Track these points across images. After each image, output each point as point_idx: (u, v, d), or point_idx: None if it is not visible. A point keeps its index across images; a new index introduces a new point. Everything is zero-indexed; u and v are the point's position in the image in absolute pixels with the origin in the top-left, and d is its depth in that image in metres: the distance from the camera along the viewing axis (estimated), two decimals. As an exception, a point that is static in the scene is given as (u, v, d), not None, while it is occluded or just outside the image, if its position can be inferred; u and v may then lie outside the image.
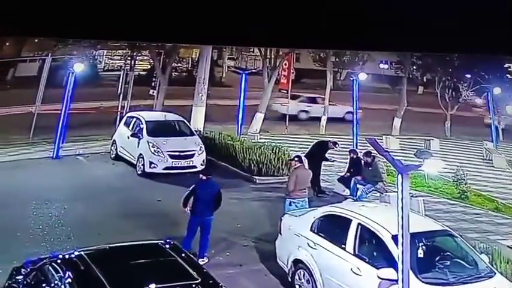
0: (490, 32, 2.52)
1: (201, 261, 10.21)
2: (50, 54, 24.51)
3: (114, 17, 2.55)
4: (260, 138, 22.29)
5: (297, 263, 10.39)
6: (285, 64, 27.91)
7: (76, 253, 7.75)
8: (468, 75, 27.48)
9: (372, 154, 15.03)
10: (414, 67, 30.11)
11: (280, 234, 11.13)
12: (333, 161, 16.75)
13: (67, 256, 7.77)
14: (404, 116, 27.79)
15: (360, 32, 2.56)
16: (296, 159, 13.26)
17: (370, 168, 14.91)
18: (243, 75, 23.07)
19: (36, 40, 28.80)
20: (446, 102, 27.85)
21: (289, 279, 10.52)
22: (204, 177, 11.79)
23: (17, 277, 8.27)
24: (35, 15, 2.55)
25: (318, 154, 15.99)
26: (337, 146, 16.58)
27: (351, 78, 22.71)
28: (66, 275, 7.24)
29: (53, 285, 7.35)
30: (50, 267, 7.68)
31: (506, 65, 28.02)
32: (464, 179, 17.03)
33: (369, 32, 2.56)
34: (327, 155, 16.39)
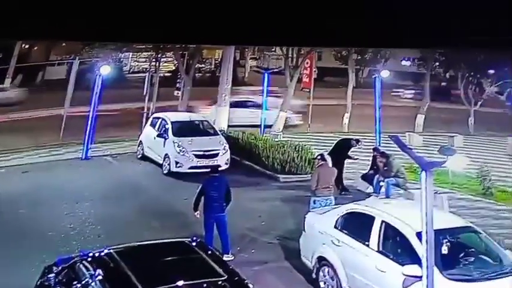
0: (483, 23, 2.51)
1: (225, 258, 10.30)
2: (77, 57, 24.85)
3: (138, 20, 2.61)
4: (283, 137, 22.30)
5: (321, 260, 10.40)
6: (307, 63, 27.82)
7: (106, 251, 7.88)
8: (491, 71, 27.12)
9: (386, 154, 15.10)
10: (437, 63, 29.82)
11: (304, 231, 11.15)
12: (356, 158, 16.70)
13: (97, 254, 7.90)
14: (427, 112, 27.56)
15: (380, 29, 2.57)
16: (319, 157, 13.27)
17: (386, 168, 14.94)
18: (266, 74, 23.09)
19: (63, 44, 29.16)
20: (470, 98, 27.56)
21: (314, 276, 10.55)
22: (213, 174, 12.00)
23: (49, 275, 8.41)
24: (61, 19, 2.61)
25: (341, 152, 15.95)
26: (360, 143, 16.54)
27: (373, 76, 22.58)
28: (97, 273, 7.35)
29: (83, 282, 7.48)
30: (81, 265, 7.81)
31: (529, 60, 27.57)
32: (488, 176, 16.84)
33: (390, 29, 2.57)
34: (350, 153, 16.35)
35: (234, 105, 23.87)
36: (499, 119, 27.49)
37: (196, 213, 11.57)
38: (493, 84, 27.00)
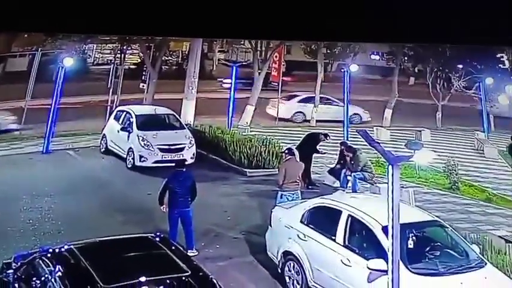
0: (482, 22, 2.53)
1: (190, 253, 10.26)
2: (39, 49, 24.42)
3: (103, 11, 2.57)
4: (250, 131, 22.32)
5: (287, 254, 10.45)
6: (276, 56, 27.88)
7: (66, 247, 7.79)
8: (460, 66, 27.53)
9: (353, 148, 15.25)
10: (406, 58, 30.14)
11: (271, 226, 11.18)
12: (324, 153, 16.81)
13: (57, 250, 7.81)
14: (395, 107, 27.89)
15: (350, 23, 2.57)
16: (286, 151, 13.31)
17: (352, 162, 15.09)
18: (234, 68, 23.07)
19: (25, 35, 28.62)
20: (438, 92, 27.94)
21: (279, 271, 10.59)
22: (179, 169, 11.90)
23: (7, 271, 8.30)
24: (24, 10, 2.56)
25: (309, 146, 16.03)
26: (328, 137, 16.65)
27: (342, 70, 22.71)
28: (56, 269, 7.28)
29: (43, 279, 7.39)
30: (40, 261, 7.72)
31: (498, 55, 28.08)
32: (455, 170, 17.11)
33: (359, 23, 2.57)
34: (318, 147, 16.44)
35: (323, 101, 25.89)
36: (467, 113, 28.00)
37: (162, 207, 11.54)
38: (461, 79, 27.40)
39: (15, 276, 8.05)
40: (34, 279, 7.61)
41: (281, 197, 12.38)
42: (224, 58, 43.87)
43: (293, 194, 12.45)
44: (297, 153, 13.23)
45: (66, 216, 13.05)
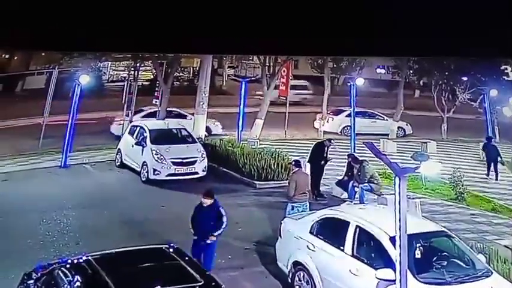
0: (486, 35, 2.55)
1: None
2: (56, 66, 24.69)
3: (116, 29, 2.63)
4: (260, 144, 22.39)
5: (297, 264, 10.48)
6: (284, 71, 28.00)
7: (84, 258, 7.87)
8: (464, 78, 27.50)
9: (360, 160, 15.29)
10: (411, 71, 30.18)
11: (280, 237, 11.22)
12: (331, 159, 16.82)
13: (75, 261, 7.89)
14: (401, 119, 27.90)
15: (356, 38, 2.61)
16: (294, 163, 13.36)
17: (359, 174, 15.12)
18: (243, 83, 23.20)
19: (43, 54, 28.96)
20: (443, 105, 27.93)
21: (289, 281, 10.61)
22: (205, 200, 10.72)
23: (28, 281, 8.39)
24: (40, 29, 2.64)
25: (317, 156, 16.15)
26: (332, 142, 16.87)
27: (348, 84, 22.79)
28: (75, 279, 7.36)
29: (62, 288, 7.47)
30: (60, 272, 7.80)
31: (502, 67, 28.05)
32: (461, 181, 17.04)
33: (365, 38, 2.61)
34: (326, 155, 16.48)
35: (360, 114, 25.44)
36: (472, 125, 27.93)
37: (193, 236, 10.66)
38: (465, 91, 27.36)
39: (36, 286, 8.14)
40: (53, 289, 7.69)
41: (292, 209, 12.42)
42: (234, 73, 44.07)
43: (303, 205, 12.49)
44: (304, 164, 13.27)
45: (83, 228, 13.20)
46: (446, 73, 27.48)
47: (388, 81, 37.32)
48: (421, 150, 22.36)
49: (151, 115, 24.08)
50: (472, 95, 27.42)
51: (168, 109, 24.29)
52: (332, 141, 17.00)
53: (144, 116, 24.30)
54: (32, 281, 8.34)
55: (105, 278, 7.27)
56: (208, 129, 23.64)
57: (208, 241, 10.50)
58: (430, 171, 14.77)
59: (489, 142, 21.23)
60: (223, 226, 10.54)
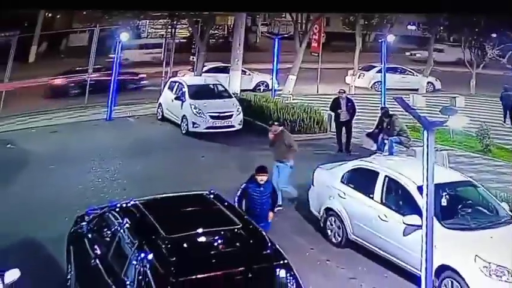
0: None
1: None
2: (97, 25, 24.88)
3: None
4: (293, 99, 22.40)
5: (329, 210, 10.72)
6: (316, 28, 27.68)
7: (132, 202, 8.14)
8: (494, 35, 26.88)
9: (390, 114, 15.21)
10: (441, 28, 29.55)
11: (313, 185, 11.42)
12: (342, 111, 16.39)
13: (124, 205, 8.15)
14: (430, 74, 27.48)
15: None
16: (276, 123, 12.88)
17: (389, 127, 15.07)
18: (276, 40, 23.08)
19: (84, 13, 29.12)
20: (472, 60, 27.41)
21: (321, 225, 10.88)
22: (261, 177, 9.31)
23: (81, 223, 8.77)
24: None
25: (336, 109, 16.28)
26: (344, 92, 16.87)
27: (380, 40, 22.46)
28: (124, 221, 7.64)
29: (113, 230, 7.78)
30: (110, 215, 8.10)
31: (531, 24, 27.23)
32: (487, 134, 16.93)
33: None
34: (343, 107, 16.37)
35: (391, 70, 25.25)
36: (499, 81, 27.33)
37: None
38: (494, 47, 26.77)
39: (89, 227, 8.49)
40: (105, 230, 8.01)
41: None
42: (267, 31, 43.66)
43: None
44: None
45: (129, 176, 13.59)
46: (476, 30, 26.86)
47: (418, 38, 36.53)
48: (450, 105, 22.10)
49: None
50: (501, 52, 26.87)
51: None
52: (344, 91, 16.93)
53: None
54: (84, 223, 8.69)
55: (152, 220, 7.54)
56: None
57: (269, 219, 9.40)
58: (458, 125, 14.67)
59: (505, 91, 21.29)
60: (280, 199, 10.26)
